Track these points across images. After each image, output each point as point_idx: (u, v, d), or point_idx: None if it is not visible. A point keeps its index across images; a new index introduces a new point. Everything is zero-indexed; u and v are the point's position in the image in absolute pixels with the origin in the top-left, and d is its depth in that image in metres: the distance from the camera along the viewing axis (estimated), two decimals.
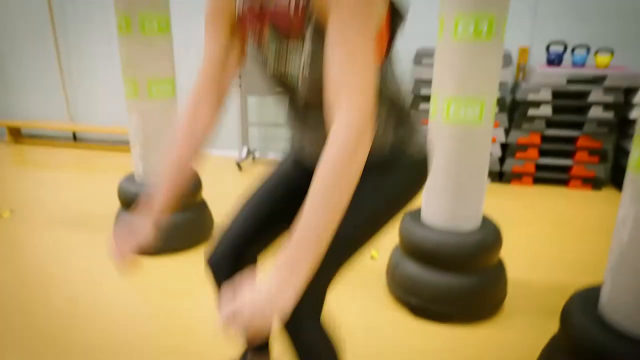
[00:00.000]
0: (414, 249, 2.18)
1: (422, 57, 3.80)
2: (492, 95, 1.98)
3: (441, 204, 2.14)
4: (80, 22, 4.72)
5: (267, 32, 1.00)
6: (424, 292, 2.12)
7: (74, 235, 2.92)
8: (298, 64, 0.98)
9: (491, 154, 3.89)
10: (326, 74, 0.86)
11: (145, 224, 1.10)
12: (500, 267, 2.23)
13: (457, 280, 2.09)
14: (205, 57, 1.10)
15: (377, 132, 1.05)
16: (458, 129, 2.00)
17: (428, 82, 3.81)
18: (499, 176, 3.97)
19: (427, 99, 3.85)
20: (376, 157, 1.04)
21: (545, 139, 3.83)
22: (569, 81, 3.64)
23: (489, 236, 2.14)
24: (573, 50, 3.66)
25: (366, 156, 0.84)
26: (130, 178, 2.79)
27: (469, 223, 2.15)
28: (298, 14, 0.92)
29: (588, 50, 3.63)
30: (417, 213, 2.31)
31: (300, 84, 1.00)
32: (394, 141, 1.08)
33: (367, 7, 0.84)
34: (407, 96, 1.12)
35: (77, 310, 2.18)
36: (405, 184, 1.10)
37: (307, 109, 1.07)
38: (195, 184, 2.72)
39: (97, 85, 4.89)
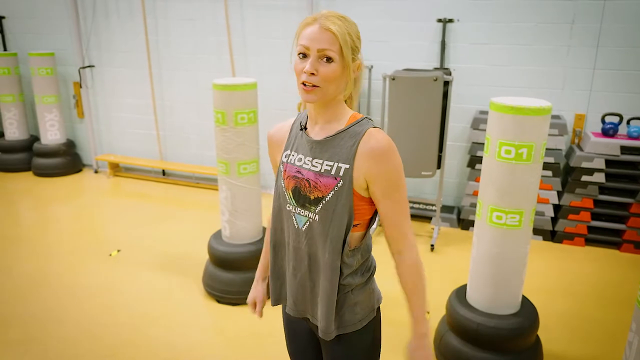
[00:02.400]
0: (457, 326, 2.52)
1: (480, 122, 4.09)
2: (531, 205, 2.29)
3: (483, 290, 2.47)
4: (173, 71, 5.40)
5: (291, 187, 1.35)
6: None
7: (167, 278, 3.49)
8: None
9: (543, 214, 4.10)
10: (390, 221, 1.32)
11: (260, 290, 1.65)
12: (536, 347, 2.53)
13: (496, 359, 2.41)
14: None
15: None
16: (499, 231, 2.33)
17: (483, 145, 4.08)
18: (551, 235, 4.17)
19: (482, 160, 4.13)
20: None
21: (597, 203, 3.99)
22: (623, 151, 3.80)
23: (526, 321, 2.44)
24: (628, 122, 3.82)
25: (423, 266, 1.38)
26: (217, 236, 3.31)
27: (508, 308, 2.46)
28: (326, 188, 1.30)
29: None
30: (462, 292, 2.65)
31: (303, 236, 1.36)
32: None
33: (405, 180, 1.32)
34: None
35: (163, 351, 2.70)
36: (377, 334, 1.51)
37: (309, 259, 1.38)
38: None
39: (186, 128, 5.55)
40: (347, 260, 1.33)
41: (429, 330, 1.38)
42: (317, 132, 1.34)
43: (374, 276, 1.47)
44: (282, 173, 1.39)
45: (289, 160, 1.38)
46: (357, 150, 1.26)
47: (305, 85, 1.25)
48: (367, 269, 1.41)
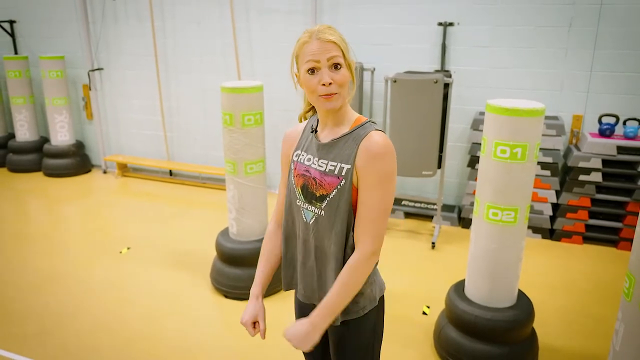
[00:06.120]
0: (456, 318, 2.63)
1: (479, 123, 4.19)
2: (525, 202, 2.40)
3: (480, 284, 2.57)
4: (179, 73, 5.53)
5: (300, 185, 1.46)
6: (463, 357, 2.56)
7: (176, 275, 3.61)
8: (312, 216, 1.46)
9: (542, 213, 4.20)
10: (359, 215, 1.38)
11: (260, 306, 1.62)
12: (532, 339, 2.63)
13: (492, 350, 2.51)
14: (278, 199, 1.61)
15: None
16: (496, 227, 2.44)
17: None
18: (549, 233, 4.26)
19: None
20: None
21: (595, 202, 4.09)
22: (620, 151, 3.89)
23: (522, 313, 2.54)
24: (625, 122, 3.91)
25: (367, 274, 1.40)
26: (224, 233, 3.43)
27: (504, 301, 2.56)
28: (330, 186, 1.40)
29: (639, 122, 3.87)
30: (461, 286, 2.75)
31: (312, 230, 1.47)
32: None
33: (394, 190, 1.39)
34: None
35: (173, 344, 2.82)
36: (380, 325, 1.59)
37: (315, 250, 1.48)
38: None
39: (192, 129, 5.68)
40: (351, 254, 1.43)
41: (320, 328, 1.38)
42: (325, 135, 1.46)
43: (377, 268, 1.57)
44: (292, 171, 1.51)
45: (299, 160, 1.50)
46: (358, 151, 1.37)
47: (324, 96, 1.36)
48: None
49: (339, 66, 1.35)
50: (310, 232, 1.48)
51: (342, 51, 1.36)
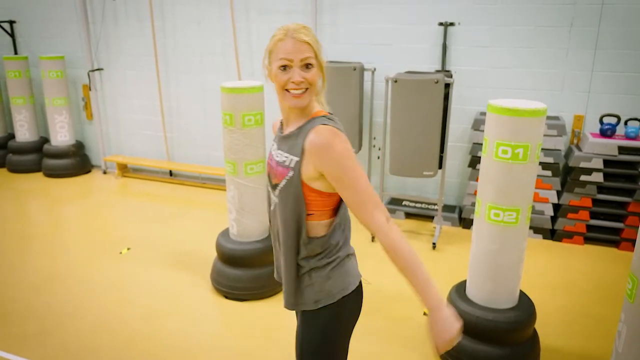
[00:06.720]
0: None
1: (480, 123, 4.19)
2: (527, 203, 2.39)
3: (482, 285, 2.56)
4: (180, 73, 5.52)
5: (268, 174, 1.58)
6: (464, 358, 2.55)
7: (176, 275, 3.60)
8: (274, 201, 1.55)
9: (543, 213, 4.19)
10: (350, 207, 1.41)
11: None
12: (533, 340, 2.62)
13: (494, 351, 2.50)
14: None
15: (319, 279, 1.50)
16: (497, 228, 2.43)
17: None
18: (550, 234, 4.25)
19: None
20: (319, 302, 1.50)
21: (596, 202, 4.08)
22: (621, 151, 3.88)
23: (523, 314, 2.54)
24: (626, 122, 3.90)
25: (399, 236, 1.39)
26: (225, 234, 3.42)
27: (506, 302, 2.55)
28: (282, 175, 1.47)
29: None
30: (462, 287, 2.75)
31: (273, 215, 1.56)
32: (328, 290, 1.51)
33: (355, 166, 1.39)
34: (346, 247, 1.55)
35: (173, 344, 2.81)
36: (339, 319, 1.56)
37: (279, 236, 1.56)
38: None
39: (192, 130, 5.67)
40: (303, 247, 1.48)
41: (440, 302, 1.37)
42: (288, 128, 1.53)
43: (347, 264, 1.55)
44: (266, 159, 1.63)
45: (271, 149, 1.61)
46: (304, 145, 1.42)
47: (290, 91, 1.41)
48: (327, 256, 1.51)
49: (310, 66, 1.41)
50: (274, 217, 1.57)
51: (315, 52, 1.42)
